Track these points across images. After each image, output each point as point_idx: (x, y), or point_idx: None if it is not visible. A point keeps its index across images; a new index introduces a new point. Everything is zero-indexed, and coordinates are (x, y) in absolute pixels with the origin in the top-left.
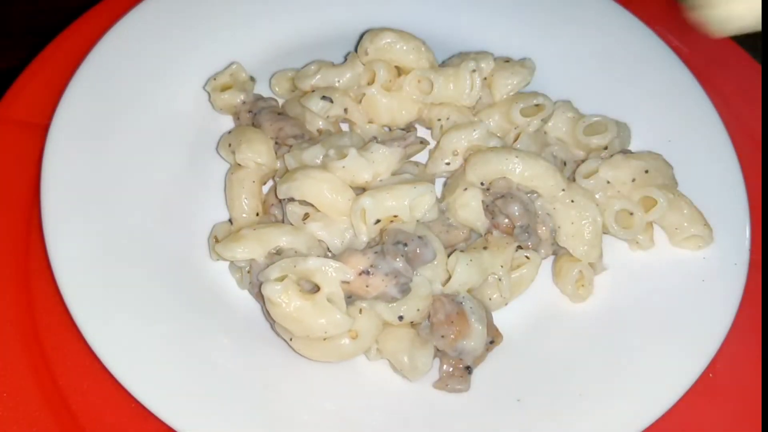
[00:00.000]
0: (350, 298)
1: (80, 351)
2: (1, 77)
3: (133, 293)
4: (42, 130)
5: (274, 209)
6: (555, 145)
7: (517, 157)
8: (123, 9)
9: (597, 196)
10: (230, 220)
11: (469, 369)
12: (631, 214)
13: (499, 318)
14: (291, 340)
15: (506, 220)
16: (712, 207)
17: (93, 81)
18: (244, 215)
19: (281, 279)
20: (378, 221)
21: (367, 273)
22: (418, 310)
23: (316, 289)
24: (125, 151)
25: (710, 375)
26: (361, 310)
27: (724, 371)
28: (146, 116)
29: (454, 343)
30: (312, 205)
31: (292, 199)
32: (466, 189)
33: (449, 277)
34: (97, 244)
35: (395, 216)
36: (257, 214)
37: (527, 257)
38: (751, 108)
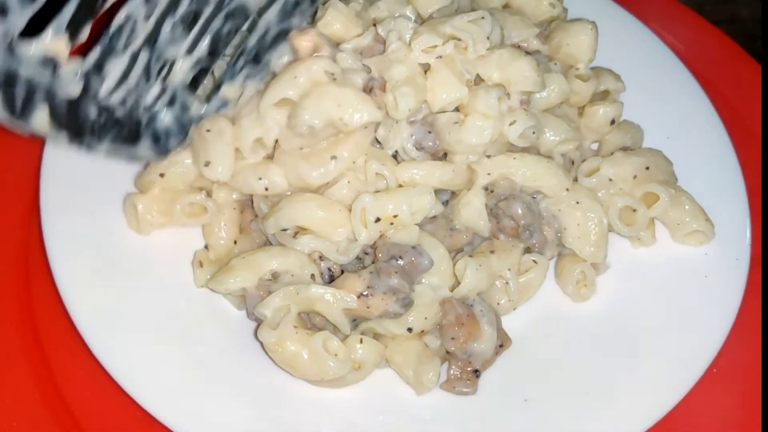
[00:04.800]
0: (355, 321)
1: (80, 352)
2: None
3: (132, 294)
4: None
5: (253, 225)
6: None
7: (517, 158)
8: None
9: (600, 194)
10: (206, 246)
11: (477, 372)
12: (634, 210)
13: (505, 318)
14: None
15: (511, 222)
16: (712, 204)
17: None
18: (221, 242)
19: (282, 309)
20: (378, 220)
21: (366, 295)
22: (426, 318)
23: (317, 317)
24: None
25: (714, 370)
26: (362, 340)
27: (727, 366)
28: None
29: (464, 345)
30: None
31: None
32: (469, 189)
33: (457, 282)
34: (96, 244)
35: (395, 216)
36: (234, 242)
37: (535, 261)
38: (751, 108)
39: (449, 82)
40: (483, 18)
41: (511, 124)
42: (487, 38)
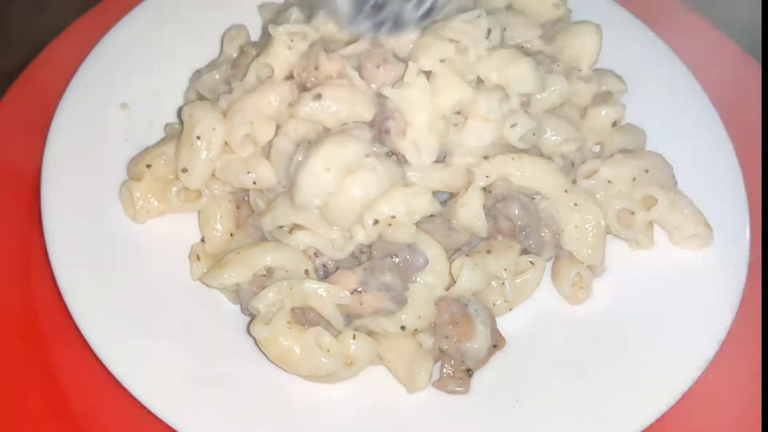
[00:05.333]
0: (348, 317)
1: (80, 351)
2: (1, 77)
3: (133, 292)
4: (42, 131)
5: (250, 220)
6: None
7: (515, 159)
8: (123, 10)
9: (598, 196)
10: (202, 239)
11: (469, 372)
12: (633, 213)
13: (500, 319)
14: None
15: (508, 223)
16: (712, 207)
17: (93, 82)
18: (218, 234)
19: (275, 304)
20: (376, 222)
21: (359, 291)
22: (420, 317)
23: (311, 313)
24: (125, 151)
25: (710, 376)
26: (355, 336)
27: (723, 372)
28: (146, 116)
29: (458, 344)
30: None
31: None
32: (467, 189)
33: (452, 281)
34: (96, 243)
35: (393, 217)
36: (231, 234)
37: (531, 263)
38: (751, 108)
39: (454, 83)
40: (479, 17)
41: (512, 126)
42: (486, 38)
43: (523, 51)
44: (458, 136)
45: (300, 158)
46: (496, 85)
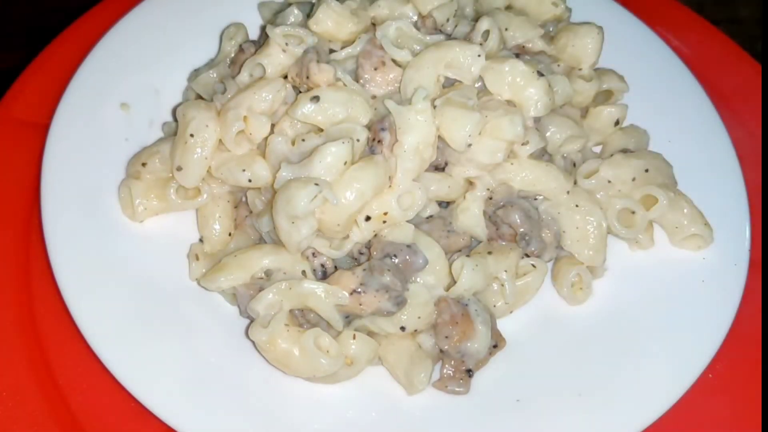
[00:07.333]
0: (348, 317)
1: (80, 351)
2: (1, 77)
3: (132, 292)
4: (42, 130)
5: (248, 221)
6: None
7: (515, 163)
8: (123, 9)
9: (598, 196)
10: (201, 239)
11: (470, 372)
12: (633, 213)
13: (500, 319)
14: None
15: (510, 230)
16: (712, 207)
17: (93, 81)
18: (216, 234)
19: (274, 306)
20: (368, 218)
21: (359, 292)
22: (419, 317)
23: (311, 314)
24: (125, 151)
25: (710, 375)
26: (354, 336)
27: (723, 372)
28: (146, 115)
29: (458, 344)
30: None
31: None
32: (467, 193)
33: (452, 282)
34: (96, 243)
35: (385, 213)
36: (230, 234)
37: (533, 266)
38: (751, 108)
39: (459, 115)
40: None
41: (523, 144)
42: (478, 55)
43: (525, 51)
44: (469, 152)
45: (285, 173)
46: (508, 102)
